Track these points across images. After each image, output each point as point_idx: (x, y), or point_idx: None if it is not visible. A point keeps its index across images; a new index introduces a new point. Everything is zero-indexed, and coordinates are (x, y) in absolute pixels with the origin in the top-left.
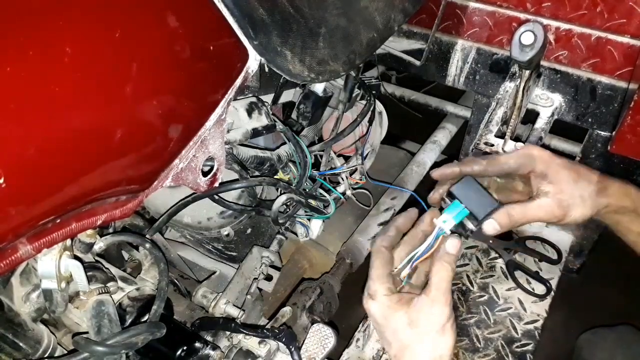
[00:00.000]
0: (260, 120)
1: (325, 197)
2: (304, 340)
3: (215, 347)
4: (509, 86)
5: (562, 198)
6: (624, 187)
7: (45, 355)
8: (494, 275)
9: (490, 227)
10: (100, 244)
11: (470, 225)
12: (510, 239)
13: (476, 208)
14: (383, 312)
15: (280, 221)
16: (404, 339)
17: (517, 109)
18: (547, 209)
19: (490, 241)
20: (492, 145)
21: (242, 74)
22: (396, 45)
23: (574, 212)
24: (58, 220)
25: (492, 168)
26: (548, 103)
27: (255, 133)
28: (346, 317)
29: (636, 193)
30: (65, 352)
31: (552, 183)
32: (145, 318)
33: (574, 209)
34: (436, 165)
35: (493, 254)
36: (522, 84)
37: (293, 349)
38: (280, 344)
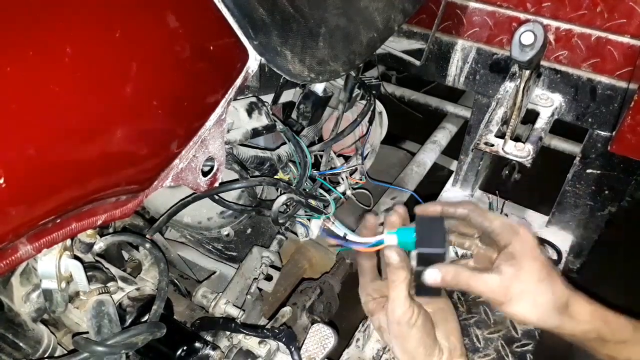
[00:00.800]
0: (260, 120)
1: (325, 197)
2: (304, 340)
3: (215, 347)
4: (509, 86)
5: (512, 288)
6: (588, 313)
7: (45, 355)
8: None
9: (432, 277)
10: (100, 244)
11: (413, 259)
12: None
13: (423, 241)
14: (368, 309)
15: (280, 221)
16: (384, 339)
17: (517, 109)
18: (491, 288)
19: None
20: (492, 145)
21: (242, 74)
22: (396, 45)
23: (517, 307)
24: (58, 220)
25: (475, 219)
26: (548, 103)
27: (255, 133)
28: (346, 317)
29: (599, 321)
30: (65, 352)
31: (514, 267)
32: (145, 318)
33: (518, 304)
34: (436, 165)
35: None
36: (522, 84)
37: (293, 349)
38: (280, 344)
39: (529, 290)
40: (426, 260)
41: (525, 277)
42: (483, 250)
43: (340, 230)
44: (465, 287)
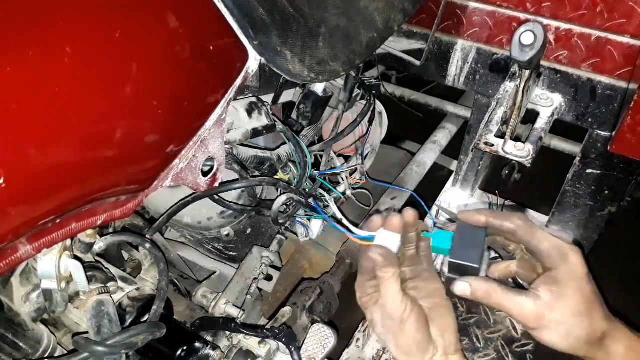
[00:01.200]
0: (260, 120)
1: (325, 197)
2: (304, 341)
3: (215, 347)
4: (509, 86)
5: (546, 316)
6: (628, 346)
7: (45, 356)
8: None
9: (461, 289)
10: (100, 244)
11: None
12: None
13: (459, 252)
14: (361, 303)
15: (280, 221)
16: (377, 332)
17: (517, 109)
18: (524, 313)
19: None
20: (492, 145)
21: (242, 74)
22: (396, 45)
23: (548, 336)
24: (58, 221)
25: (523, 238)
26: (548, 103)
27: (255, 133)
28: (346, 317)
29: (633, 339)
30: (65, 352)
31: (553, 295)
32: (145, 318)
33: (550, 333)
34: (436, 165)
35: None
36: (522, 84)
37: (293, 349)
38: (280, 344)
39: (564, 322)
40: (458, 270)
41: (563, 308)
42: (528, 257)
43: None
44: (496, 306)
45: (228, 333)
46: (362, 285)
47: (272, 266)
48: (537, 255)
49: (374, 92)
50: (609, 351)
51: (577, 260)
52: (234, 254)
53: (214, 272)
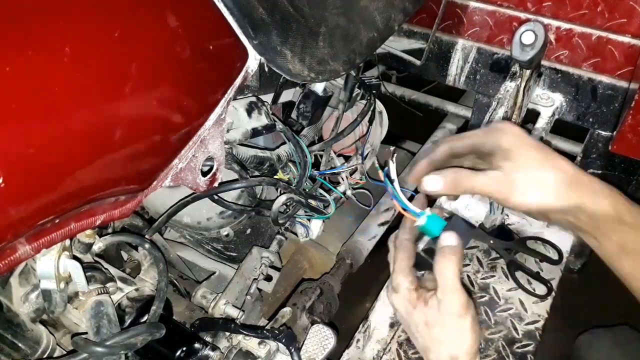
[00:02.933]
0: (260, 120)
1: (325, 197)
2: (303, 341)
3: (214, 348)
4: (509, 86)
5: (516, 178)
6: (605, 187)
7: (44, 356)
8: (494, 276)
9: (432, 183)
10: (99, 244)
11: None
12: (511, 240)
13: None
14: (405, 306)
15: (280, 221)
16: (425, 336)
17: (517, 108)
18: (494, 181)
19: (491, 241)
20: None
21: (242, 74)
22: (396, 45)
23: (526, 196)
24: (57, 221)
25: (457, 146)
26: (549, 103)
27: (255, 133)
28: (346, 317)
29: (620, 198)
30: (64, 352)
31: (511, 160)
32: (145, 318)
33: (526, 191)
34: None
35: (494, 254)
36: (523, 84)
37: (293, 350)
38: (280, 344)
39: (531, 175)
40: (433, 255)
41: (526, 164)
42: (479, 162)
43: (394, 179)
44: (469, 186)
45: (227, 334)
46: (407, 278)
47: (272, 266)
48: (478, 147)
49: (374, 91)
50: (582, 189)
51: (509, 126)
52: (233, 254)
53: (214, 273)
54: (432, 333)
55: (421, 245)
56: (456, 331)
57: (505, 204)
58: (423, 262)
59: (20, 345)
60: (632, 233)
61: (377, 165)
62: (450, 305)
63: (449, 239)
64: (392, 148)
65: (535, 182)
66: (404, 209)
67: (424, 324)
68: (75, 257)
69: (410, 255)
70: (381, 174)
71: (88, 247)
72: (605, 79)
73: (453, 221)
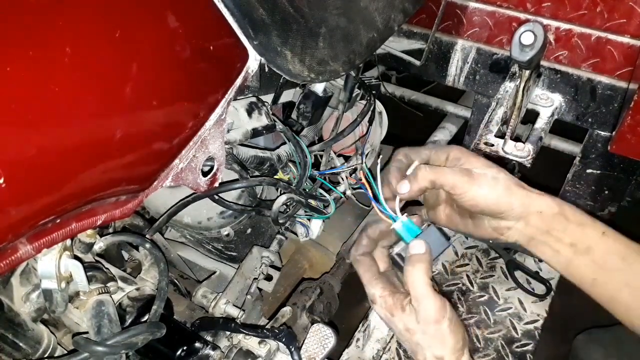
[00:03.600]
0: (260, 120)
1: (325, 197)
2: (304, 340)
3: (215, 347)
4: (509, 86)
5: (474, 171)
6: (544, 192)
7: (45, 356)
8: (494, 275)
9: (402, 186)
10: (100, 244)
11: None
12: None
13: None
14: (385, 314)
15: (281, 221)
16: (409, 341)
17: (517, 109)
18: (456, 174)
19: (490, 241)
20: (492, 145)
21: (242, 74)
22: (396, 45)
23: (483, 188)
24: (58, 220)
25: (414, 154)
26: (548, 103)
27: (255, 133)
28: (346, 317)
29: (559, 199)
30: (65, 352)
31: (464, 164)
32: (145, 318)
33: (483, 184)
34: None
35: (493, 254)
36: (522, 84)
37: (293, 349)
38: (280, 344)
39: (487, 172)
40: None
41: (477, 165)
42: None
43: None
44: (433, 178)
45: (228, 333)
46: (376, 288)
47: (272, 266)
48: (434, 164)
49: (374, 92)
50: (528, 189)
51: (453, 145)
52: (234, 254)
53: (214, 272)
54: (414, 339)
55: (396, 249)
56: (435, 336)
57: (464, 196)
58: (397, 265)
59: (21, 344)
60: (580, 231)
61: (364, 166)
62: (425, 312)
63: (417, 247)
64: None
65: (489, 178)
66: (381, 211)
67: (405, 330)
68: (76, 257)
69: (368, 267)
70: (363, 174)
71: (89, 246)
72: (604, 79)
73: (427, 230)
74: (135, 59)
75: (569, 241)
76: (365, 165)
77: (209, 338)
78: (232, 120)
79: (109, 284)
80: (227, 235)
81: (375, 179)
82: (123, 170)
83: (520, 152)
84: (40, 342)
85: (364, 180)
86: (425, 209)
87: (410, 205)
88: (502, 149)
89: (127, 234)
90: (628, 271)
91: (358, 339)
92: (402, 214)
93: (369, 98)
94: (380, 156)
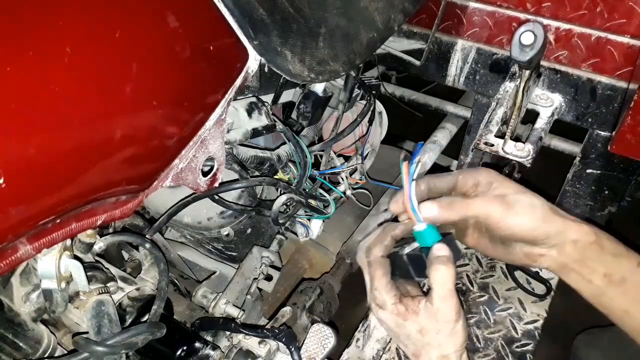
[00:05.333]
0: (260, 120)
1: (325, 197)
2: (304, 340)
3: (215, 347)
4: (509, 86)
5: (509, 197)
6: (581, 219)
7: (45, 355)
8: (494, 275)
9: (428, 209)
10: (100, 244)
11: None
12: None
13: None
14: (394, 320)
15: (281, 221)
16: (417, 343)
17: (517, 109)
18: (490, 202)
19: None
20: (492, 145)
21: (242, 74)
22: (396, 45)
23: (519, 216)
24: (58, 220)
25: (440, 181)
26: (548, 103)
27: (255, 133)
28: (346, 317)
29: (597, 227)
30: (65, 352)
31: (496, 188)
32: (145, 318)
33: (520, 211)
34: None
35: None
36: (522, 84)
37: (293, 349)
38: (280, 344)
39: (523, 197)
40: (415, 262)
41: (510, 191)
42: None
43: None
44: (464, 209)
45: (228, 333)
46: (389, 294)
47: (272, 266)
48: (461, 190)
49: (374, 92)
50: (565, 217)
51: (482, 168)
52: (234, 254)
53: (214, 272)
54: (425, 339)
55: (407, 249)
56: (449, 334)
57: (499, 225)
58: (402, 266)
59: (21, 344)
60: (615, 262)
61: (402, 159)
62: (447, 312)
63: (442, 250)
64: (402, 153)
65: (526, 204)
66: (412, 210)
67: (417, 332)
68: (76, 257)
69: (387, 271)
70: (405, 169)
71: (89, 246)
72: (604, 79)
73: (447, 239)
74: (135, 59)
75: (603, 272)
76: (416, 161)
77: (209, 338)
78: (232, 120)
79: (109, 284)
80: (227, 235)
81: (411, 175)
82: (123, 170)
83: (520, 152)
84: (40, 342)
85: (405, 169)
86: (454, 230)
87: None
88: (502, 149)
89: (127, 234)
90: None
91: (358, 339)
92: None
93: (368, 98)
94: (425, 154)
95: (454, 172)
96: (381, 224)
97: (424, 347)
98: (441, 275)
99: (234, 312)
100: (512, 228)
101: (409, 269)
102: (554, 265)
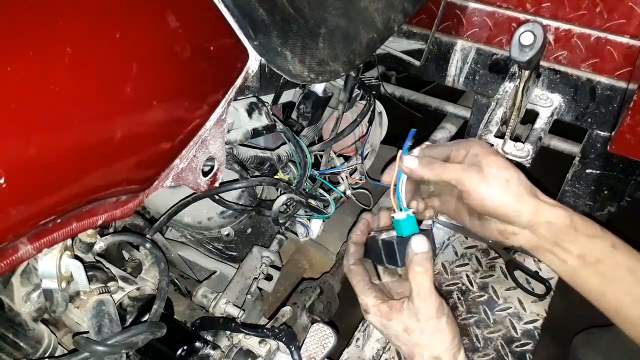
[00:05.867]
0: (260, 121)
1: (325, 196)
2: (304, 340)
3: (215, 347)
4: (508, 86)
5: (486, 169)
6: (557, 202)
7: (46, 355)
8: (493, 275)
9: (409, 160)
10: (100, 244)
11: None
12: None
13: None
14: (380, 321)
15: (281, 221)
16: (407, 342)
17: (516, 109)
18: (466, 170)
19: (490, 241)
20: (492, 145)
21: (242, 74)
22: (396, 46)
23: (492, 189)
24: (59, 220)
25: (436, 150)
26: (547, 103)
27: (256, 133)
28: (346, 316)
29: (571, 210)
30: (66, 351)
31: (481, 160)
32: (146, 318)
33: (493, 184)
34: None
35: (493, 254)
36: (522, 84)
37: (293, 349)
38: (280, 343)
39: (501, 173)
40: (388, 249)
41: (494, 164)
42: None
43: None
44: (441, 170)
45: (228, 333)
46: (369, 297)
47: (272, 266)
48: (455, 159)
49: (373, 92)
50: (542, 198)
51: (475, 139)
52: (234, 253)
53: (214, 272)
54: (412, 338)
55: (384, 235)
56: (433, 332)
57: (470, 194)
58: (376, 251)
59: (21, 344)
60: (589, 243)
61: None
62: (426, 310)
63: (420, 245)
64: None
65: (501, 178)
66: (396, 195)
67: (403, 331)
68: (76, 257)
69: (362, 275)
70: (399, 156)
71: (89, 246)
72: (603, 79)
73: (426, 232)
74: (136, 59)
75: (577, 252)
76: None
77: (209, 338)
78: (232, 120)
79: (109, 284)
80: (227, 235)
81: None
82: (123, 170)
83: (520, 152)
84: (40, 342)
85: (398, 155)
86: (437, 197)
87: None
88: (502, 149)
89: (128, 233)
90: (636, 285)
91: (358, 339)
92: (410, 210)
93: (368, 98)
94: (408, 143)
95: (450, 142)
96: None
97: (414, 347)
98: (420, 275)
99: (234, 311)
100: (482, 199)
101: (381, 255)
102: (527, 245)
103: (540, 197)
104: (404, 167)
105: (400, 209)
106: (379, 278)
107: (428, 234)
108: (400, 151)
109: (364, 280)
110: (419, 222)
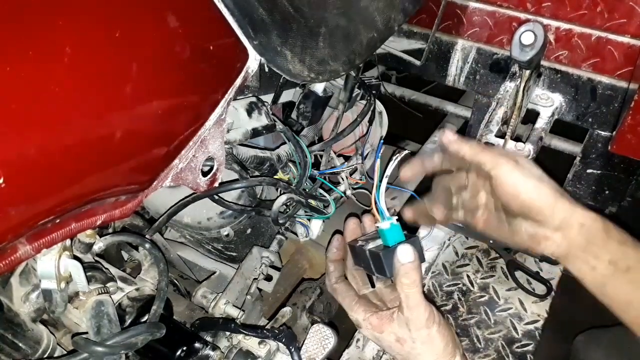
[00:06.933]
0: (260, 120)
1: (325, 197)
2: (304, 341)
3: (215, 348)
4: (509, 86)
5: (522, 164)
6: (591, 210)
7: (45, 356)
8: (494, 276)
9: (449, 133)
10: (99, 244)
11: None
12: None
13: (390, 254)
14: (372, 334)
15: (280, 221)
16: (401, 352)
17: (517, 108)
18: (504, 157)
19: (491, 241)
20: (493, 145)
21: (242, 74)
22: (396, 45)
23: (527, 182)
24: (58, 221)
25: (468, 148)
26: (548, 103)
27: (255, 133)
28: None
29: (605, 218)
30: (65, 352)
31: (515, 162)
32: (145, 318)
33: (528, 177)
34: None
35: (493, 254)
36: (523, 84)
37: (293, 350)
38: (280, 344)
39: (535, 172)
40: (375, 260)
41: (524, 160)
42: (468, 200)
43: (387, 175)
44: (479, 150)
45: (228, 333)
46: (358, 312)
47: (272, 266)
48: (479, 165)
49: (374, 92)
50: (573, 202)
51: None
52: (233, 254)
53: (214, 272)
54: (405, 348)
55: (371, 245)
56: (425, 341)
57: (505, 184)
58: (365, 260)
59: (20, 345)
60: (621, 249)
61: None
62: (416, 321)
63: (406, 255)
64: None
65: (537, 174)
66: (377, 206)
67: (395, 341)
68: (75, 257)
69: (346, 293)
70: (377, 165)
71: (88, 247)
72: (604, 79)
73: (412, 240)
74: (135, 59)
75: (608, 258)
76: (393, 160)
77: (208, 338)
78: (232, 120)
79: (108, 284)
80: (227, 235)
81: (383, 172)
82: (123, 170)
83: (521, 151)
84: (39, 342)
85: (377, 166)
86: (463, 212)
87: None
88: (503, 148)
89: (127, 234)
90: None
91: (358, 339)
92: (394, 218)
93: (369, 98)
94: (399, 157)
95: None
96: None
97: (408, 356)
98: (407, 287)
99: (234, 312)
100: (517, 187)
101: (370, 265)
102: (558, 250)
103: (572, 202)
104: (444, 136)
105: (383, 218)
106: (373, 285)
107: (414, 241)
108: (378, 161)
109: (349, 297)
110: (415, 229)
